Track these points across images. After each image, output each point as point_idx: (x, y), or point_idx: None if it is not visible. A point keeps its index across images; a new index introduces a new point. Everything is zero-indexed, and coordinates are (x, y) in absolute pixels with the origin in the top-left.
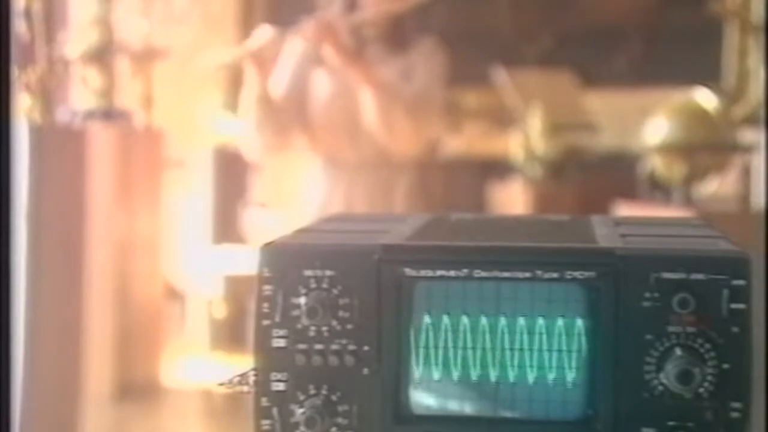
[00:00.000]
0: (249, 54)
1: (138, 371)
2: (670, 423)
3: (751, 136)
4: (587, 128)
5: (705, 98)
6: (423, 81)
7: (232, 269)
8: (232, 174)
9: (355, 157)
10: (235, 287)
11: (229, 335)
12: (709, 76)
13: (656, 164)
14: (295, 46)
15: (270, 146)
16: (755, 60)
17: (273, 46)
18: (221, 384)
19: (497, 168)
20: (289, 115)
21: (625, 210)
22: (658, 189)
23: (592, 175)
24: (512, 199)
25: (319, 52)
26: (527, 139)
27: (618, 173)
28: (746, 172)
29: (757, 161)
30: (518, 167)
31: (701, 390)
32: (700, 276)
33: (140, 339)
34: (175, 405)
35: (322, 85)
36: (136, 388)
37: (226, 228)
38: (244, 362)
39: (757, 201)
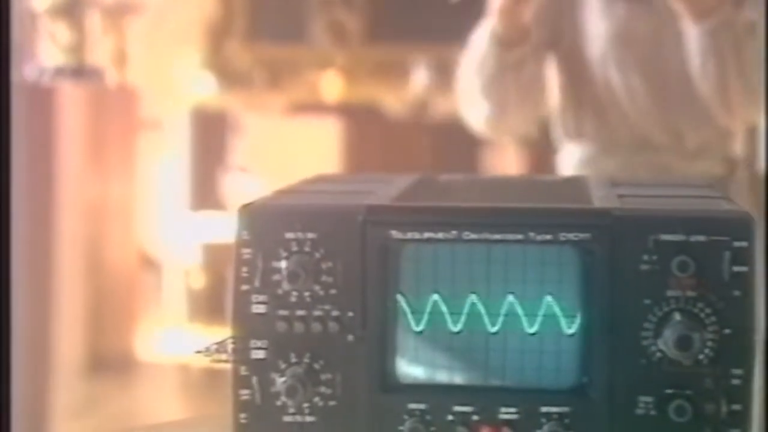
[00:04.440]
0: None
1: (111, 344)
2: (668, 391)
3: None
4: None
5: None
6: None
7: (210, 237)
8: (211, 136)
9: (669, 144)
10: (214, 256)
11: (207, 306)
12: None
13: None
14: None
15: (499, 119)
16: None
17: None
18: (198, 352)
19: None
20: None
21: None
22: None
23: None
24: (506, 162)
25: None
26: None
27: None
28: (752, 134)
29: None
30: None
31: (701, 356)
32: (700, 238)
33: (113, 310)
34: (150, 379)
35: (599, 23)
36: (109, 362)
37: (205, 193)
38: (223, 334)
39: (763, 164)
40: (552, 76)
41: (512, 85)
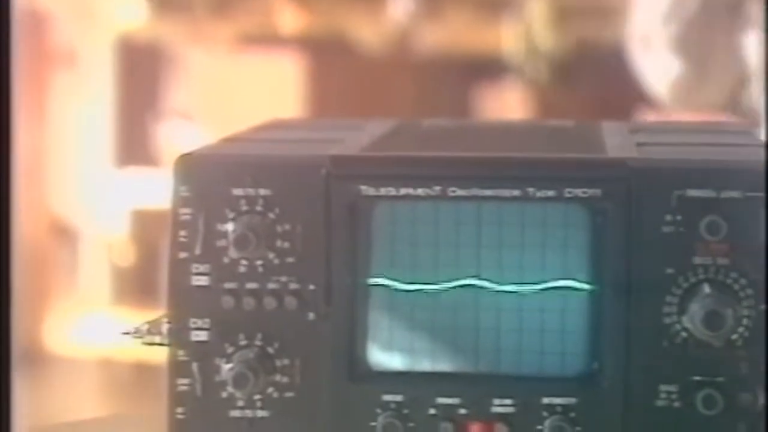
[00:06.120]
0: None
1: (15, 333)
2: (695, 378)
3: None
4: (605, 14)
5: None
6: None
7: (141, 200)
8: (141, 74)
9: None
10: (146, 224)
11: (136, 286)
12: None
13: None
14: None
15: (695, 81)
16: None
17: None
18: (125, 333)
19: (487, 67)
20: None
21: (651, 117)
22: None
23: (612, 75)
24: (507, 107)
25: None
26: (527, 29)
27: None
28: None
29: None
30: (515, 66)
31: (734, 336)
32: (734, 194)
33: (18, 291)
34: (63, 376)
35: None
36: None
37: (134, 146)
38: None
39: None
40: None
41: (720, 38)
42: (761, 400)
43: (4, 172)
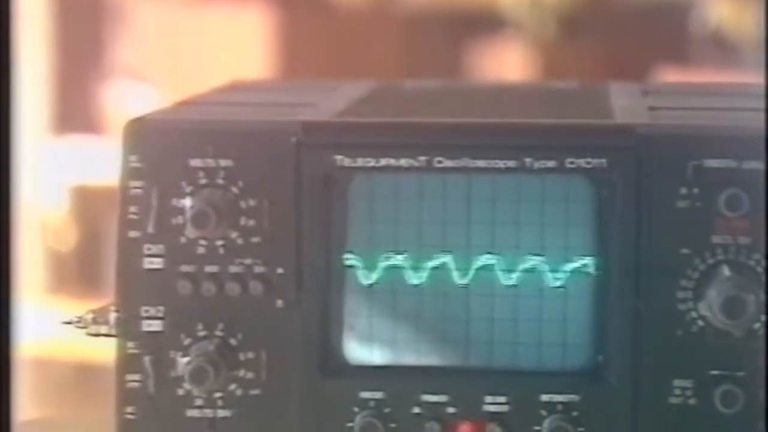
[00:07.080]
0: None
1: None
2: (713, 372)
3: None
4: None
5: None
6: None
7: (83, 174)
8: (83, 27)
9: None
10: (88, 201)
11: (78, 272)
12: None
13: (722, 14)
14: None
15: None
16: None
17: None
18: (67, 323)
19: (483, 21)
20: None
21: (672, 79)
22: (723, 49)
23: (626, 31)
24: (505, 66)
25: None
26: None
27: (663, 28)
28: None
29: None
30: (516, 21)
31: (757, 325)
32: (757, 164)
33: None
34: None
35: None
36: None
37: (75, 110)
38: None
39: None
40: None
41: None
42: None
43: (4, 170)
